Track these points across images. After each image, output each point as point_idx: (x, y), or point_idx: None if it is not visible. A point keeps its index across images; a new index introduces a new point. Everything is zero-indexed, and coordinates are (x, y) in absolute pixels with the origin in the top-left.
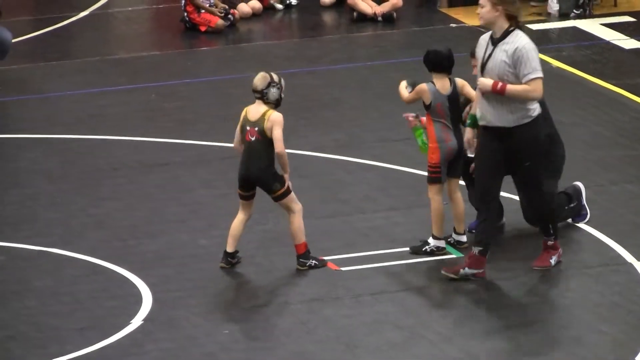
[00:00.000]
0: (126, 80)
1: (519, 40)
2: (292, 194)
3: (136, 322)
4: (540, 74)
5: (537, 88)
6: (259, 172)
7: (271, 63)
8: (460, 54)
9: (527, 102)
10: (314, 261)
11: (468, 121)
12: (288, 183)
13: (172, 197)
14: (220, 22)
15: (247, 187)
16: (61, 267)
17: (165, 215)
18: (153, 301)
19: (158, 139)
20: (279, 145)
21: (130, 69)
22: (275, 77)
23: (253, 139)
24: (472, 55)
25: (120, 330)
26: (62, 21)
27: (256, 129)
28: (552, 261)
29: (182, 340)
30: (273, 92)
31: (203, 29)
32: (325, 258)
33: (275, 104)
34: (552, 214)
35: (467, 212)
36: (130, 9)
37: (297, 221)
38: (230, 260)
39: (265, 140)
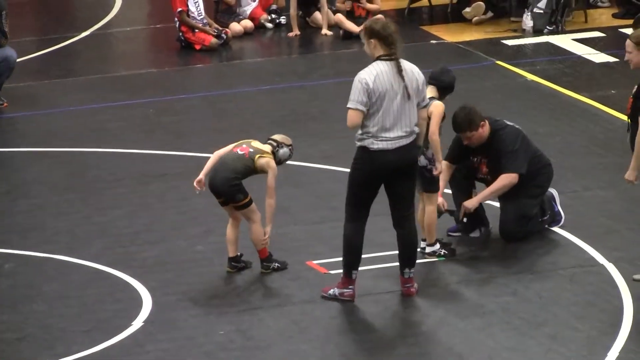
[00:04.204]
0: (125, 96)
1: None
2: (253, 204)
3: (137, 323)
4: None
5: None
6: (222, 183)
7: (263, 79)
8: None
9: None
10: (276, 264)
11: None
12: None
13: (171, 206)
14: (214, 40)
15: (216, 195)
16: (67, 272)
17: (165, 222)
18: (153, 304)
19: (157, 151)
20: (271, 193)
21: (129, 86)
22: (290, 141)
23: (239, 152)
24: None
25: (123, 331)
26: (65, 41)
27: (251, 150)
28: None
29: (181, 340)
30: (284, 152)
31: (198, 47)
32: (315, 262)
33: (277, 162)
34: None
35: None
36: (129, 28)
37: (258, 230)
38: (235, 264)
39: (247, 161)
